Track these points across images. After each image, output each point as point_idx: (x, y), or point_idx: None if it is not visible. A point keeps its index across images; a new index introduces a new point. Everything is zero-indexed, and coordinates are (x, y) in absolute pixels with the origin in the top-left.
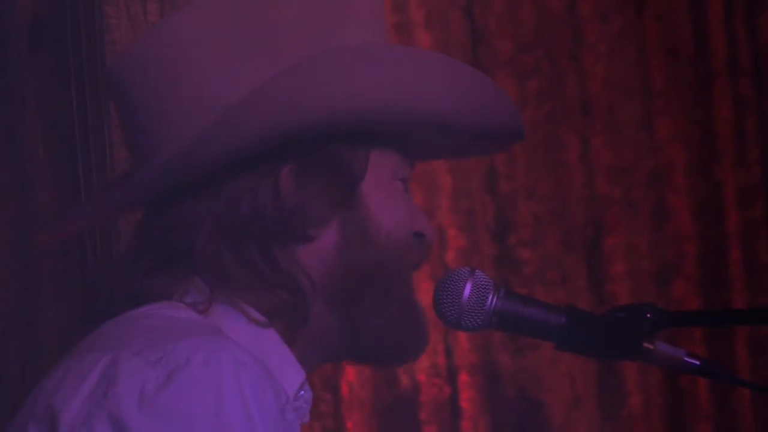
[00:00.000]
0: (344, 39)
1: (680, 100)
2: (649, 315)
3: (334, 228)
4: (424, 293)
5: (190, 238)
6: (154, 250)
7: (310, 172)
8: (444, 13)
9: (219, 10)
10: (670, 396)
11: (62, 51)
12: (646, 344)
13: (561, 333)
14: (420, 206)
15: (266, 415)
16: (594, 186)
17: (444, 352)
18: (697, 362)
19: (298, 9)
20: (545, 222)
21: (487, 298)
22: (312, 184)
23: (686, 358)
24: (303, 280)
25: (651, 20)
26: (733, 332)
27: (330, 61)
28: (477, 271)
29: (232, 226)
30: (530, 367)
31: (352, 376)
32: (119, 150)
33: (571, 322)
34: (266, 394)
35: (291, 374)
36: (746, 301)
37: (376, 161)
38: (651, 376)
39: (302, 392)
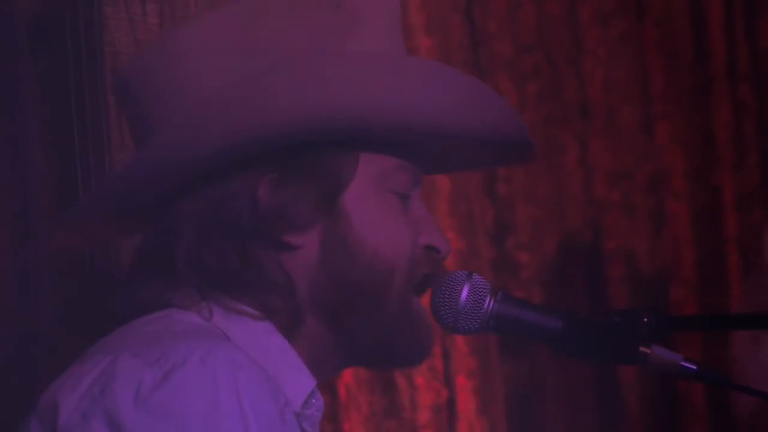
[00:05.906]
0: (346, 48)
1: (679, 104)
2: (646, 319)
3: (316, 239)
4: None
5: (174, 243)
6: (148, 256)
7: (291, 177)
8: (444, 16)
9: (225, 19)
10: (667, 400)
11: (61, 52)
12: (643, 349)
13: (558, 337)
14: None
15: (261, 416)
16: (593, 190)
17: (441, 355)
18: (694, 367)
19: (304, 18)
20: (544, 225)
21: (485, 301)
22: (291, 188)
23: (683, 363)
24: (289, 287)
25: (651, 25)
26: (731, 336)
27: (301, 67)
28: (474, 274)
29: (211, 231)
30: (528, 371)
31: (349, 378)
32: (118, 152)
33: (568, 326)
34: (263, 395)
35: (301, 381)
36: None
37: (365, 173)
38: (648, 380)
39: (313, 400)
